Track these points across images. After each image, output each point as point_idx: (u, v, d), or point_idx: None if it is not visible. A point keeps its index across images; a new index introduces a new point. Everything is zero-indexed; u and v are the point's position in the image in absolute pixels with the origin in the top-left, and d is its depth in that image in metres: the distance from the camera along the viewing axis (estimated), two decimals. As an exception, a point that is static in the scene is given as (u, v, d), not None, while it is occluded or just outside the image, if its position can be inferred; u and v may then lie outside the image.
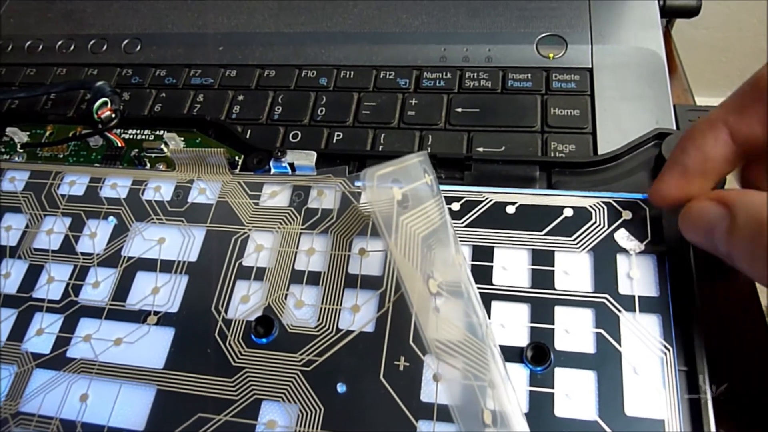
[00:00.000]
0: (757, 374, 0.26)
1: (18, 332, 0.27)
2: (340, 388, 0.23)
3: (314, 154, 0.30)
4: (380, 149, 0.33)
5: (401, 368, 0.23)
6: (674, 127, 0.31)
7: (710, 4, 0.94)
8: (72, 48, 0.43)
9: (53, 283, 0.28)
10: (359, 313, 0.25)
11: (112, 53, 0.42)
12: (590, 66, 0.35)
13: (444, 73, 0.36)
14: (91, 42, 0.43)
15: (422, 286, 0.21)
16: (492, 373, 0.22)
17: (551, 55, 0.36)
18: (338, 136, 0.34)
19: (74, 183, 0.31)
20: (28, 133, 0.36)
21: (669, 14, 0.39)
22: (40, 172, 0.32)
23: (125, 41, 0.43)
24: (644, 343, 0.23)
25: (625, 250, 0.25)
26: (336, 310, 0.25)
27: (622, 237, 0.25)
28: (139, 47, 0.42)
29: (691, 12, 0.39)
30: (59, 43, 0.44)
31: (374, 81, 0.37)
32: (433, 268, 0.22)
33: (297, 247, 0.27)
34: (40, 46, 0.44)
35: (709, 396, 0.22)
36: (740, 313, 0.28)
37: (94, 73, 0.41)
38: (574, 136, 0.32)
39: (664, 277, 0.24)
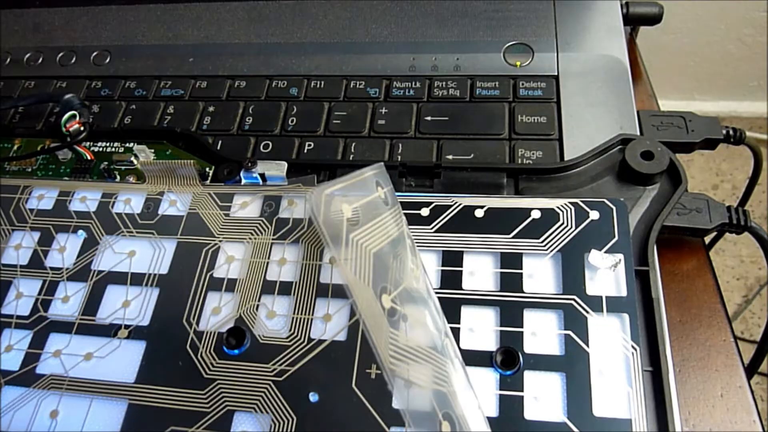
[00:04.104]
0: (720, 375, 0.27)
1: (-14, 349, 0.27)
2: (313, 397, 0.23)
3: (285, 165, 0.30)
4: (351, 158, 0.34)
5: (373, 376, 0.24)
6: (638, 133, 0.32)
7: (678, 10, 0.97)
8: (40, 60, 0.43)
9: (22, 298, 0.28)
10: (331, 322, 0.25)
11: (81, 65, 0.42)
12: (556, 73, 0.36)
13: (413, 82, 0.37)
14: (60, 54, 0.43)
15: (375, 302, 0.22)
16: (452, 381, 0.22)
17: (518, 63, 0.37)
18: (309, 145, 0.35)
19: (43, 197, 0.31)
20: (-5, 147, 0.36)
21: (632, 22, 0.40)
22: (8, 187, 0.32)
23: (94, 53, 0.42)
24: (612, 343, 0.24)
25: (597, 257, 0.25)
26: (308, 319, 0.25)
27: (596, 257, 0.25)
28: (108, 59, 0.42)
29: (654, 19, 0.40)
30: (27, 55, 0.43)
31: (344, 91, 0.37)
32: (390, 281, 0.23)
33: (268, 258, 0.27)
34: (8, 59, 0.43)
35: None
36: (705, 314, 0.29)
37: (63, 85, 0.41)
38: (541, 143, 0.33)
39: (631, 278, 0.25)
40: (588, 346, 0.24)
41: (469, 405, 0.22)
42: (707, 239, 0.31)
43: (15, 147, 0.36)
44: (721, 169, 1.12)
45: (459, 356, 0.23)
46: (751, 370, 0.32)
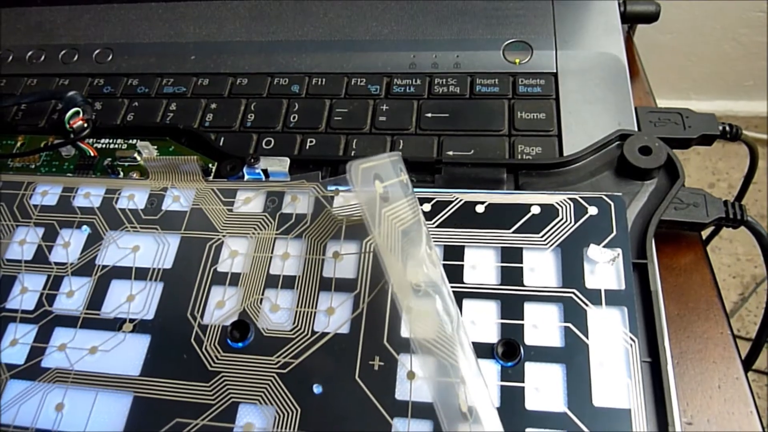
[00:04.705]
0: (717, 367, 0.27)
1: (-9, 343, 0.27)
2: (316, 389, 0.24)
3: (287, 161, 0.30)
4: (352, 154, 0.34)
5: (376, 368, 0.24)
6: (635, 128, 0.32)
7: (675, 10, 0.97)
8: (43, 58, 0.43)
9: (27, 293, 0.28)
10: (334, 315, 0.25)
11: (83, 63, 0.42)
12: (555, 71, 0.36)
13: (414, 80, 0.37)
14: (62, 52, 0.43)
15: (404, 277, 0.22)
16: (463, 369, 0.22)
17: (517, 61, 0.37)
18: (311, 142, 0.35)
19: (47, 193, 0.31)
20: (-2, 144, 0.36)
21: (630, 20, 0.40)
22: (12, 183, 0.32)
23: (97, 51, 0.43)
24: (611, 335, 0.24)
25: (596, 251, 0.26)
26: (311, 312, 0.26)
27: (595, 252, 0.26)
28: (110, 57, 0.42)
29: (651, 17, 0.40)
30: (30, 53, 0.43)
31: (345, 88, 0.37)
32: (408, 265, 0.23)
33: (272, 252, 0.28)
34: (10, 57, 0.43)
35: None
36: (703, 307, 0.29)
37: (66, 83, 0.41)
38: (540, 139, 0.33)
39: (629, 272, 0.25)
40: (587, 338, 0.24)
41: (479, 392, 0.22)
42: (704, 234, 0.31)
43: (18, 144, 0.36)
44: (717, 168, 1.12)
45: (469, 342, 0.23)
46: (747, 365, 0.32)
